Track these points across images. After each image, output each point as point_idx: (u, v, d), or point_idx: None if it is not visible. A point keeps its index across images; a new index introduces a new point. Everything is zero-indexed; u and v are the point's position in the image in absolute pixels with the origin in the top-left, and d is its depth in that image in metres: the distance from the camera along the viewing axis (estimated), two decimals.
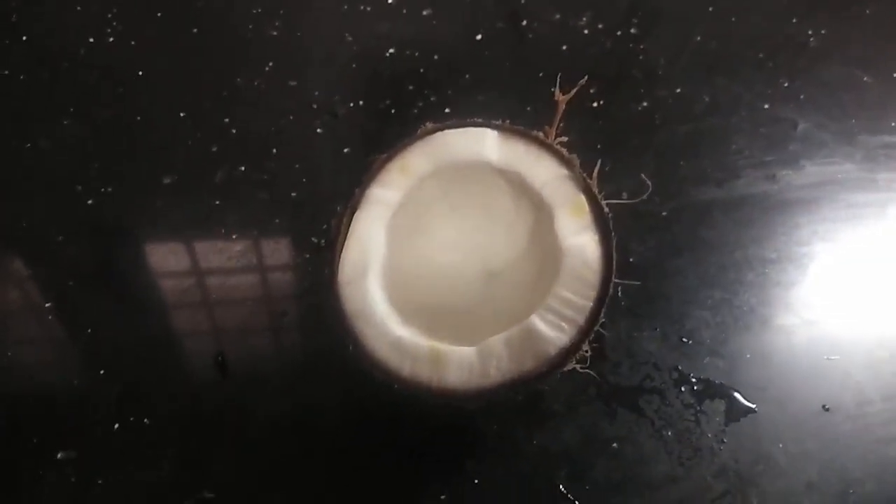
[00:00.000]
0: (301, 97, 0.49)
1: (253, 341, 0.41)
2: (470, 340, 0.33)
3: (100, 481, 0.36)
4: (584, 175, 0.34)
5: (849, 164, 0.48)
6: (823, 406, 0.40)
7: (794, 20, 0.55)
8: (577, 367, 0.33)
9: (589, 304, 0.32)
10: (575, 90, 0.34)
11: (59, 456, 0.36)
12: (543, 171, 0.34)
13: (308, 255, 0.43)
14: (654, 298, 0.42)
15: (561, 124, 0.34)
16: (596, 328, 0.32)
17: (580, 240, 0.33)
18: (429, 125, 0.36)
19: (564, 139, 0.34)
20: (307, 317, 0.41)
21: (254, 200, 0.44)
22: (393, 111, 0.49)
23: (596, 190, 0.34)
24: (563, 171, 0.34)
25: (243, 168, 0.45)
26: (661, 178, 0.47)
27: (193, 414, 0.38)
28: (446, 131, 0.35)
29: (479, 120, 0.35)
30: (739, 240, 0.45)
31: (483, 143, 0.35)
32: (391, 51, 0.51)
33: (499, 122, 0.35)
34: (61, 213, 0.44)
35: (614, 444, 0.38)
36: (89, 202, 0.44)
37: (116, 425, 0.37)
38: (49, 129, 0.46)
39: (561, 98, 0.34)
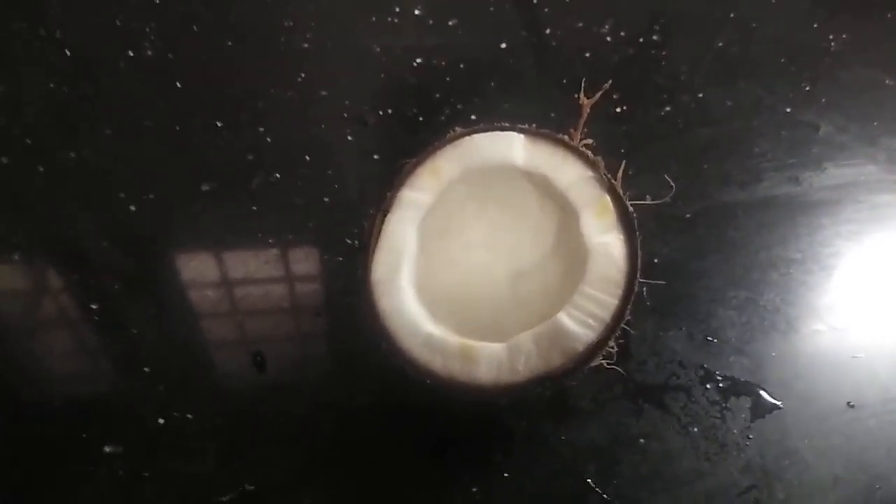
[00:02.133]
0: (332, 107, 0.50)
1: (289, 340, 0.42)
2: (499, 338, 0.34)
3: (146, 474, 0.37)
4: (609, 176, 0.35)
5: (871, 166, 0.49)
6: (848, 403, 0.40)
7: (816, 25, 0.56)
8: (604, 363, 0.34)
9: (615, 301, 0.33)
10: (599, 94, 0.35)
11: (106, 450, 0.38)
12: (569, 173, 0.35)
13: (341, 258, 0.44)
14: (679, 299, 0.43)
15: (585, 129, 0.35)
16: (622, 325, 0.33)
17: (605, 239, 0.34)
18: (457, 129, 0.37)
19: (589, 141, 0.35)
20: (341, 316, 0.43)
21: (288, 206, 0.46)
22: (421, 119, 0.50)
23: (620, 190, 0.35)
24: (588, 173, 0.35)
25: (278, 175, 0.47)
26: (684, 180, 0.47)
27: (234, 410, 0.39)
28: (474, 135, 0.36)
29: (506, 124, 0.36)
30: (763, 241, 0.46)
31: (510, 147, 0.36)
32: (418, 60, 0.53)
33: (525, 126, 0.36)
34: (106, 219, 0.45)
35: (641, 440, 0.39)
36: (132, 208, 0.45)
37: (161, 420, 0.39)
38: (92, 139, 0.48)
39: (585, 102, 0.36)
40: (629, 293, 0.33)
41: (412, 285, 0.35)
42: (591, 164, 0.35)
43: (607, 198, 0.35)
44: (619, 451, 0.38)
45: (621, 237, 0.34)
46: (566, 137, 0.36)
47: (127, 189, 0.46)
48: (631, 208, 0.34)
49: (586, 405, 0.40)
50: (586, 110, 0.35)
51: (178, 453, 0.38)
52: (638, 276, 0.33)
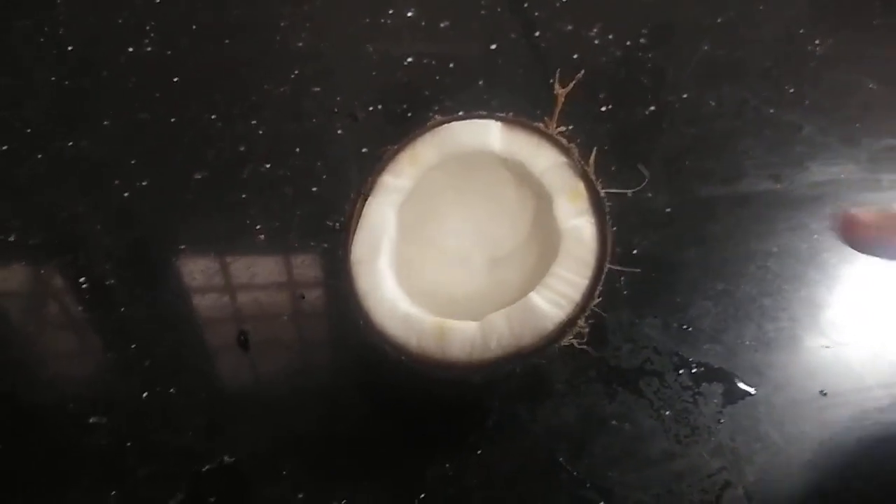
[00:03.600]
0: (324, 102, 0.52)
1: (273, 320, 0.43)
2: (472, 317, 0.35)
3: (128, 444, 0.38)
4: (582, 162, 0.36)
5: (852, 166, 0.50)
6: (821, 392, 0.41)
7: (802, 31, 0.57)
8: (575, 342, 0.34)
9: (585, 281, 0.34)
10: (573, 83, 0.36)
11: (91, 420, 0.39)
12: (544, 160, 0.37)
13: (326, 244, 0.45)
14: (657, 289, 0.44)
15: (569, 126, 0.36)
16: (592, 305, 0.34)
17: (577, 222, 0.35)
18: (437, 118, 0.38)
19: (564, 129, 0.36)
20: (324, 298, 0.44)
21: (277, 195, 0.47)
22: (409, 114, 0.51)
23: (593, 176, 0.36)
24: (563, 159, 0.36)
25: (269, 165, 0.48)
26: (666, 176, 0.48)
27: (216, 385, 0.41)
28: (453, 123, 0.38)
29: (484, 113, 0.38)
30: (742, 235, 0.46)
31: (487, 134, 0.37)
32: (409, 60, 0.54)
33: (502, 115, 0.37)
34: (100, 203, 0.47)
35: (613, 422, 0.39)
36: (126, 194, 0.47)
37: (145, 394, 0.40)
38: (91, 129, 0.50)
39: (560, 91, 0.37)
40: (599, 274, 0.34)
41: (391, 267, 0.37)
42: (566, 151, 0.36)
43: (580, 183, 0.36)
44: (591, 432, 0.39)
45: (593, 221, 0.35)
46: (542, 125, 0.37)
47: (121, 176, 0.48)
48: (603, 193, 0.35)
49: (561, 387, 0.40)
50: (561, 99, 0.37)
51: (161, 425, 0.39)
52: (608, 258, 0.34)
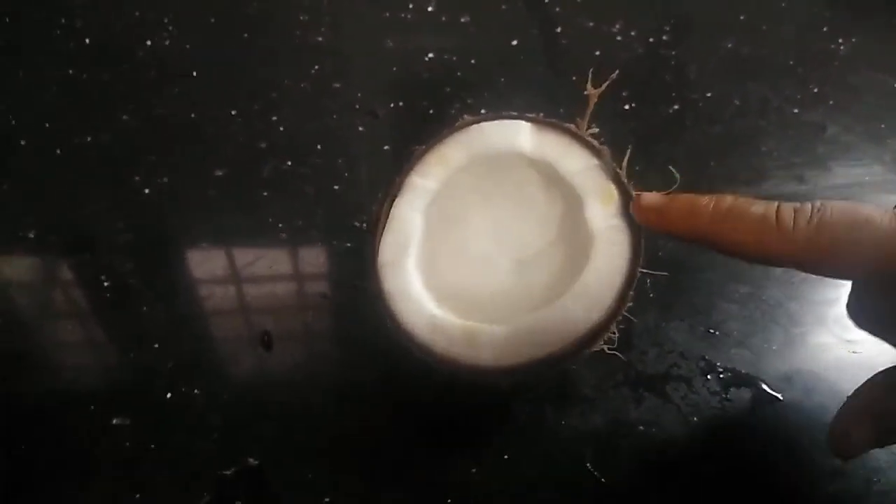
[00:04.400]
0: (344, 98, 0.51)
1: (297, 320, 0.43)
2: (501, 321, 0.35)
3: (152, 446, 0.38)
4: (614, 165, 0.35)
5: (877, 166, 0.49)
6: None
7: (825, 29, 0.56)
8: (605, 348, 0.34)
9: (617, 286, 0.34)
10: (606, 83, 0.36)
11: (114, 422, 0.39)
12: (574, 161, 0.36)
13: (349, 244, 0.45)
14: (682, 292, 0.43)
15: (591, 121, 0.36)
16: (623, 311, 0.34)
17: (609, 226, 0.35)
18: (466, 118, 0.38)
19: (595, 130, 0.36)
20: (348, 298, 0.43)
21: (299, 193, 0.47)
22: (431, 111, 0.51)
23: (625, 179, 0.35)
24: (594, 161, 0.36)
25: (290, 163, 0.48)
26: (690, 176, 0.47)
27: (240, 386, 0.40)
28: (482, 123, 0.37)
29: (514, 113, 0.37)
30: None
31: (517, 134, 0.37)
32: (430, 55, 0.54)
33: (532, 115, 0.37)
34: (120, 201, 0.46)
35: (641, 427, 0.39)
36: (146, 191, 0.46)
37: (169, 395, 0.40)
38: (109, 124, 0.49)
39: (592, 92, 0.36)
40: (631, 279, 0.34)
41: (418, 269, 0.36)
42: (597, 154, 0.36)
43: (612, 186, 0.35)
44: (618, 437, 0.39)
45: (625, 224, 0.35)
46: (573, 126, 0.36)
47: (142, 173, 0.47)
48: (635, 196, 0.35)
49: (588, 392, 0.40)
50: (593, 100, 0.36)
51: (184, 427, 0.39)
52: (640, 262, 0.34)
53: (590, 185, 0.36)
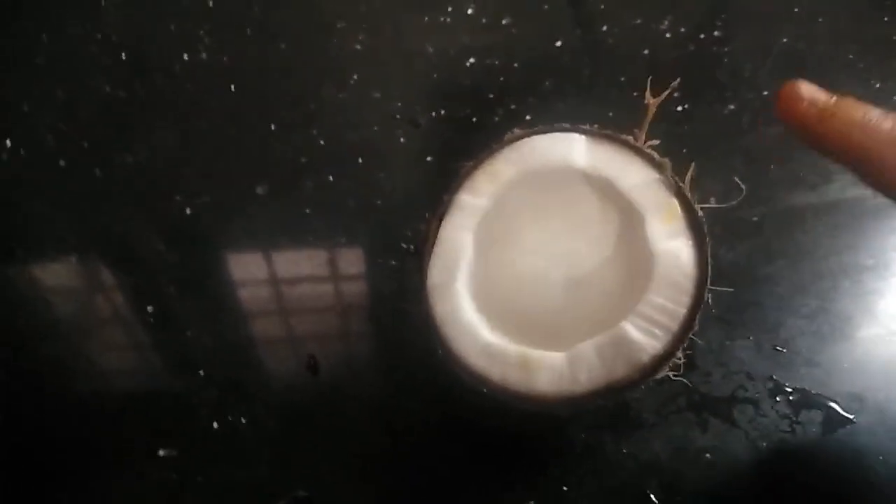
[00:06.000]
0: (384, 108, 0.50)
1: (343, 345, 0.42)
2: (556, 346, 0.33)
3: (199, 479, 0.37)
4: (677, 179, 0.33)
5: None
6: None
7: (886, 18, 0.53)
8: (671, 374, 0.32)
9: (683, 310, 0.32)
10: (667, 92, 0.34)
11: (160, 454, 0.38)
12: (633, 176, 0.34)
13: (394, 262, 0.43)
14: (746, 306, 0.41)
15: (652, 135, 0.34)
16: (690, 335, 0.32)
17: (673, 245, 0.33)
18: (516, 131, 0.36)
19: (656, 142, 0.34)
20: (395, 321, 0.42)
21: (341, 208, 0.46)
22: (474, 120, 0.49)
23: (689, 194, 0.33)
24: (654, 175, 0.34)
25: (331, 178, 0.47)
26: (750, 182, 0.45)
27: (287, 415, 0.39)
28: (534, 137, 0.35)
29: (567, 125, 0.35)
30: (833, 246, 0.43)
31: (571, 149, 0.35)
32: (471, 60, 0.52)
33: (587, 127, 0.35)
34: (162, 222, 0.46)
35: (707, 455, 0.37)
36: (188, 211, 0.46)
37: (215, 424, 0.39)
38: (147, 142, 0.49)
39: (651, 101, 0.34)
40: (698, 302, 0.32)
41: (469, 291, 0.35)
42: (657, 167, 0.34)
43: (675, 202, 0.33)
44: (683, 465, 0.37)
45: (690, 243, 0.33)
46: (630, 138, 0.34)
47: (182, 192, 0.46)
48: (701, 213, 0.33)
49: (649, 417, 0.38)
50: (653, 109, 0.34)
51: (232, 458, 0.38)
52: (708, 284, 0.32)
53: (650, 201, 0.34)
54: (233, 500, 0.37)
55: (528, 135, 0.36)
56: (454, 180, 0.35)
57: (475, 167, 0.36)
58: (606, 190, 0.35)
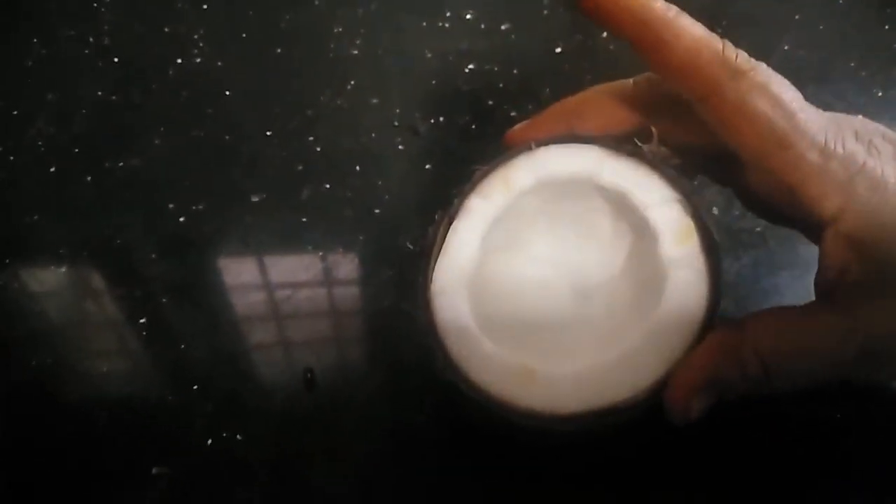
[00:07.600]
0: (382, 115, 0.49)
1: (341, 355, 0.41)
2: (560, 359, 0.33)
3: (194, 496, 0.36)
4: (695, 199, 0.33)
5: None
6: None
7: (887, 27, 0.53)
8: None
9: (693, 333, 0.31)
10: None
11: (153, 471, 0.37)
12: (650, 193, 0.33)
13: (392, 271, 0.43)
14: None
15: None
16: None
17: (685, 266, 0.32)
18: (534, 146, 0.35)
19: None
20: (395, 331, 0.41)
21: (339, 217, 0.45)
22: (473, 126, 0.49)
23: (705, 215, 0.32)
24: (672, 194, 0.33)
25: (328, 185, 0.46)
26: None
27: (284, 429, 0.38)
28: (551, 146, 0.35)
29: (586, 136, 0.35)
30: None
31: (589, 161, 0.34)
32: (470, 66, 0.51)
33: (605, 139, 0.34)
34: (155, 230, 0.45)
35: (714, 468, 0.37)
36: (181, 219, 0.45)
37: (210, 441, 0.38)
38: (140, 148, 0.48)
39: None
40: (708, 326, 0.31)
41: (473, 299, 0.34)
42: (676, 185, 0.33)
43: (690, 222, 0.33)
44: (694, 484, 0.36)
45: (703, 265, 0.32)
46: (649, 153, 0.34)
47: (176, 199, 0.45)
48: (716, 236, 0.32)
49: (655, 435, 0.37)
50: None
51: (227, 475, 0.37)
52: (718, 308, 0.31)
53: (665, 219, 0.33)
54: None
55: (546, 143, 0.35)
56: (465, 184, 0.35)
57: (489, 171, 0.35)
58: (621, 204, 0.34)
